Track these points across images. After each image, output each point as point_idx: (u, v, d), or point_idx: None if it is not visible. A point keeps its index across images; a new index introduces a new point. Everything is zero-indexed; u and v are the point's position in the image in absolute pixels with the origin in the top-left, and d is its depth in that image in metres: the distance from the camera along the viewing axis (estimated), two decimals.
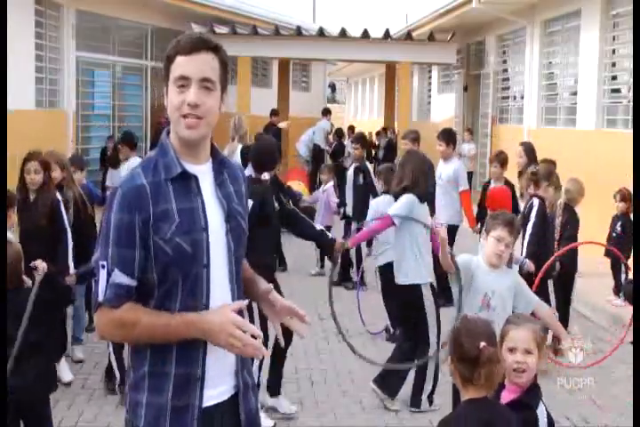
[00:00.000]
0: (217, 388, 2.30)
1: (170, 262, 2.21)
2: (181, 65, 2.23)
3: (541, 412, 3.04)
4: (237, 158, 7.95)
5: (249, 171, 5.16)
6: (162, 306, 2.24)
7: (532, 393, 3.08)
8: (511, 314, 3.58)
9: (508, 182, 7.80)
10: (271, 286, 2.55)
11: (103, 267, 2.22)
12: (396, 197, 5.43)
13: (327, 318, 6.87)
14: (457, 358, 2.66)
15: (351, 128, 21.67)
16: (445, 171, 7.86)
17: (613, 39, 10.56)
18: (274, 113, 15.59)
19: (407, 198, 5.31)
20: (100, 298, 2.22)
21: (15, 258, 3.83)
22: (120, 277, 2.21)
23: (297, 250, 9.78)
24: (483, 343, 2.60)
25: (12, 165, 5.57)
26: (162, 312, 2.23)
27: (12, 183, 5.09)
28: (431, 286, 5.25)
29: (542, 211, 6.07)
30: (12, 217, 4.82)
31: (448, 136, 7.94)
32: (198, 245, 2.24)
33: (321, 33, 16.83)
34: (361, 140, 9.24)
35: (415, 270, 5.20)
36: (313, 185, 14.69)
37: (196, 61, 2.22)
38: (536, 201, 6.08)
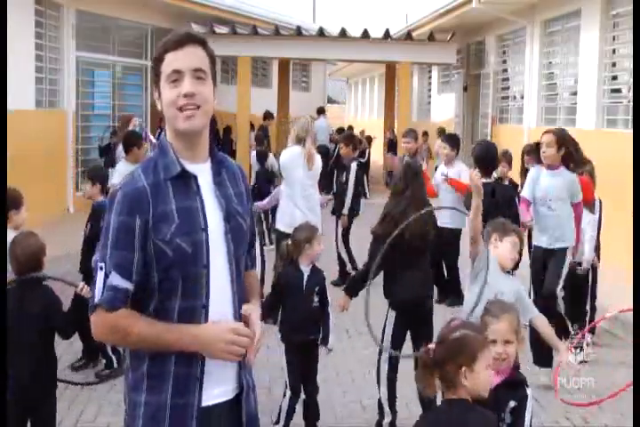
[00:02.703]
0: (217, 388, 2.29)
1: (171, 263, 2.20)
2: (172, 60, 2.23)
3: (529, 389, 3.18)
4: (319, 162, 7.02)
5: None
6: (162, 306, 2.22)
7: (519, 371, 3.29)
8: (489, 301, 3.56)
9: (512, 182, 7.80)
10: (252, 307, 2.41)
11: (101, 269, 2.20)
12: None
13: None
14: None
15: (350, 128, 21.62)
16: (451, 173, 7.94)
17: (613, 39, 10.55)
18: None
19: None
20: (97, 299, 2.19)
21: (38, 247, 4.03)
22: (117, 280, 2.18)
23: None
24: None
25: (11, 165, 5.56)
26: (157, 322, 2.20)
27: (13, 183, 5.07)
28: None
29: (601, 206, 6.58)
30: (23, 214, 4.79)
31: (454, 140, 8.35)
32: (198, 246, 2.23)
33: (321, 33, 16.82)
34: (348, 139, 9.66)
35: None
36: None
37: (186, 54, 2.23)
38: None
